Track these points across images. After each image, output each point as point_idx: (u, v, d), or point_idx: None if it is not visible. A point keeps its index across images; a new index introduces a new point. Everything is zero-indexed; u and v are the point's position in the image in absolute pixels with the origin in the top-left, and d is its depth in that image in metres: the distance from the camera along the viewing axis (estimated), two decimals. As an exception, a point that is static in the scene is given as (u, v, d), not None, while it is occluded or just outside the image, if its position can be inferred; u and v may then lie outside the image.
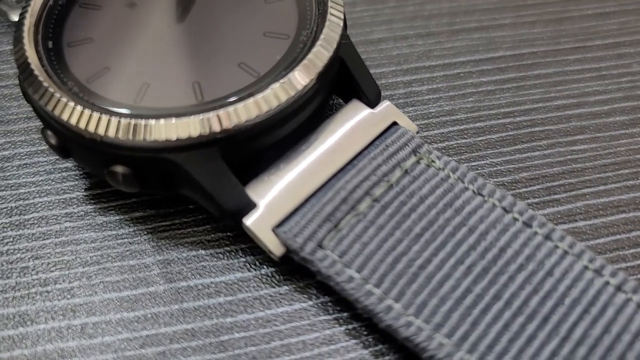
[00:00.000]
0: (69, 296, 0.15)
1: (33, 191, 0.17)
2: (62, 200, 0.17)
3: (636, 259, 0.16)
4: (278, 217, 0.15)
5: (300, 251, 0.15)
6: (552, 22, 0.21)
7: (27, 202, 0.17)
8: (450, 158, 0.16)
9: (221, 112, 0.14)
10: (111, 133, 0.14)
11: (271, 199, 0.15)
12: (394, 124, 0.17)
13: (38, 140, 0.18)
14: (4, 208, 0.17)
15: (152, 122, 0.14)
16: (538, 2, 0.22)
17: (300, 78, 0.15)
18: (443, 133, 0.18)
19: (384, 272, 0.14)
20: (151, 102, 0.15)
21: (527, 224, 0.15)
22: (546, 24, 0.21)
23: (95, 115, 0.14)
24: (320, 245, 0.15)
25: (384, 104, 0.17)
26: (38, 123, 0.19)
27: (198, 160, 0.14)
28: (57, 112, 0.15)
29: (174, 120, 0.14)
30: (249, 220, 0.15)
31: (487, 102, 0.19)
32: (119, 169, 0.15)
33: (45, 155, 0.18)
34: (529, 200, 0.17)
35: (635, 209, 0.17)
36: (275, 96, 0.15)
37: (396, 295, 0.14)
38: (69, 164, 0.18)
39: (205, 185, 0.15)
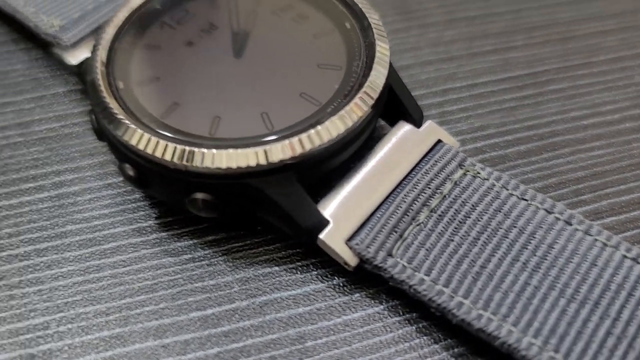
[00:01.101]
0: (157, 317, 0.17)
1: (107, 222, 0.19)
2: (136, 229, 0.19)
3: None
4: (349, 231, 0.17)
5: (374, 260, 0.17)
6: (560, 41, 0.24)
7: (103, 232, 0.19)
8: (491, 169, 0.19)
9: (295, 139, 0.16)
10: (197, 162, 0.16)
11: (341, 215, 0.17)
12: (439, 141, 0.19)
13: (105, 175, 0.20)
14: (84, 239, 0.18)
15: (233, 151, 0.16)
16: (545, 24, 0.24)
17: (361, 106, 0.17)
18: (477, 147, 0.21)
19: (450, 274, 0.16)
20: (226, 133, 0.17)
21: (568, 222, 0.17)
22: (555, 44, 0.24)
23: (180, 147, 0.16)
24: (390, 254, 0.17)
25: (427, 123, 0.19)
26: (102, 158, 0.20)
27: (277, 185, 0.16)
28: (141, 147, 0.16)
29: (253, 148, 0.16)
30: (325, 236, 0.17)
31: (511, 117, 0.22)
32: (201, 196, 0.17)
33: (113, 188, 0.20)
34: (561, 202, 0.19)
35: (656, 205, 0.19)
36: (341, 123, 0.17)
37: (464, 293, 0.16)
38: (137, 194, 0.19)
39: (284, 207, 0.16)
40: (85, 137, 0.21)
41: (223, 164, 0.16)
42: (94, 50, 0.19)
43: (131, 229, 0.19)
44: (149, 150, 0.16)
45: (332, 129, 0.16)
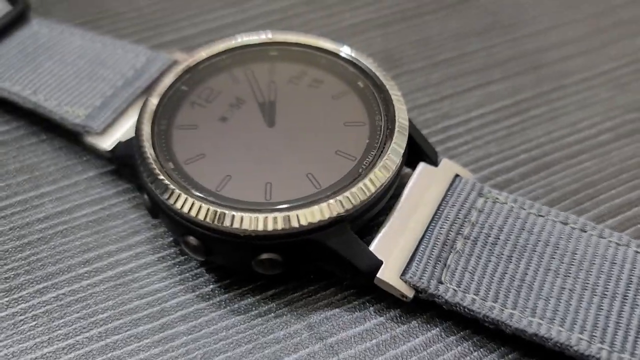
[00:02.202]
0: (239, 372, 0.19)
1: (171, 293, 0.21)
2: (199, 295, 0.20)
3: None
4: (401, 267, 0.19)
5: (428, 289, 0.19)
6: (532, 70, 0.27)
7: (169, 302, 0.20)
8: (506, 193, 0.21)
9: (347, 193, 0.19)
10: (263, 227, 0.18)
11: (391, 253, 0.19)
12: (456, 175, 0.22)
13: (156, 249, 0.22)
14: (153, 312, 0.20)
15: (294, 212, 0.18)
16: (516, 56, 0.28)
17: (393, 157, 0.20)
18: (484, 175, 0.24)
19: (496, 290, 0.19)
20: (280, 197, 0.19)
21: (583, 230, 0.20)
22: (528, 73, 0.27)
23: (246, 215, 0.18)
24: (440, 282, 0.19)
25: (443, 161, 0.22)
26: (149, 234, 0.22)
27: (336, 236, 0.19)
28: (208, 220, 0.18)
29: (311, 208, 0.18)
30: (383, 275, 0.19)
31: (505, 144, 0.25)
32: (268, 256, 0.19)
33: (167, 260, 0.21)
34: (567, 204, 0.22)
35: (645, 204, 0.23)
36: (381, 175, 0.19)
37: (512, 304, 0.19)
38: (192, 263, 0.21)
39: (344, 255, 0.19)
40: (127, 216, 0.23)
41: (287, 225, 0.18)
42: (138, 137, 0.20)
43: (194, 295, 0.20)
44: (217, 222, 0.18)
45: (376, 180, 0.19)
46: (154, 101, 0.21)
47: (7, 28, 0.27)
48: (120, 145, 0.22)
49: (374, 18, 0.29)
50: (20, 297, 0.21)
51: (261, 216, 0.18)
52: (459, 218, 0.20)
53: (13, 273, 0.21)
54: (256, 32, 0.24)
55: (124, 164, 0.22)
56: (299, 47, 0.23)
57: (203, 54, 0.23)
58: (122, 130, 0.23)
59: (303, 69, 0.23)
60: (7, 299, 0.20)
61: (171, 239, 0.22)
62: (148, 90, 0.24)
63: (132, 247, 0.22)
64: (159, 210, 0.20)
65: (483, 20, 0.29)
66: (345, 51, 0.23)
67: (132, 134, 0.22)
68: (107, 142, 0.23)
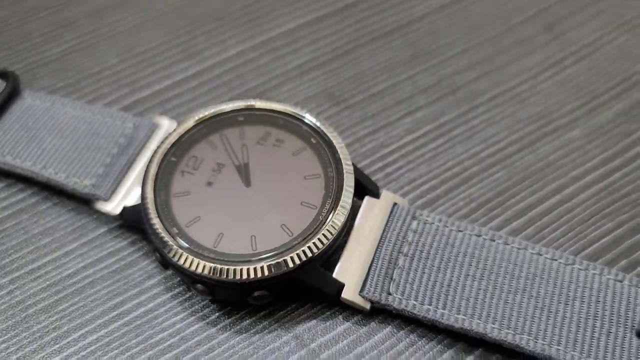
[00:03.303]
0: (248, 378, 0.26)
1: (187, 323, 0.27)
2: (209, 322, 0.27)
3: (557, 236, 0.29)
4: (358, 286, 0.26)
5: (380, 300, 0.26)
6: (450, 94, 0.34)
7: (186, 332, 0.27)
8: (434, 214, 0.28)
9: (315, 239, 0.25)
10: (258, 275, 0.25)
11: (350, 277, 0.26)
12: (395, 203, 0.28)
13: (169, 288, 0.28)
14: (172, 342, 0.27)
15: (279, 259, 0.25)
16: (435, 82, 0.34)
17: (346, 201, 0.26)
18: (417, 194, 0.30)
19: (430, 296, 0.26)
20: (264, 247, 0.25)
21: (492, 239, 0.27)
22: (447, 97, 0.33)
23: (243, 267, 0.25)
24: (389, 293, 0.26)
25: (383, 193, 0.28)
26: (161, 276, 0.28)
27: (310, 273, 0.25)
28: (212, 275, 0.25)
29: (290, 253, 0.25)
30: (345, 294, 0.26)
31: (433, 164, 0.31)
32: (259, 293, 0.25)
33: (179, 296, 0.28)
34: (483, 220, 0.29)
35: (542, 203, 0.30)
36: (340, 217, 0.26)
37: (442, 305, 0.26)
38: (200, 298, 0.28)
39: (317, 286, 0.25)
40: (140, 263, 0.29)
41: (272, 271, 0.25)
42: (145, 208, 0.26)
43: (205, 323, 0.27)
44: (218, 275, 0.25)
45: (335, 224, 0.26)
46: (151, 175, 0.27)
47: (4, 104, 0.32)
48: (126, 210, 0.28)
49: (314, 57, 0.35)
50: (67, 342, 0.27)
51: (252, 267, 0.25)
52: (399, 240, 0.27)
53: (58, 323, 0.27)
54: (224, 102, 0.29)
55: (132, 227, 0.28)
56: (261, 112, 0.29)
57: (185, 126, 0.28)
58: (126, 196, 0.29)
59: (267, 130, 0.29)
60: (57, 346, 0.27)
61: (177, 279, 0.28)
62: (139, 155, 0.30)
63: (149, 289, 0.28)
64: (169, 265, 0.26)
65: (406, 51, 0.35)
66: (298, 111, 0.29)
67: (134, 199, 0.28)
68: (115, 208, 0.29)
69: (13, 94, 0.33)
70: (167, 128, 0.31)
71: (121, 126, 0.31)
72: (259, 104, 0.29)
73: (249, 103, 0.29)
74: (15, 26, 0.37)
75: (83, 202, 0.30)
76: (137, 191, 0.28)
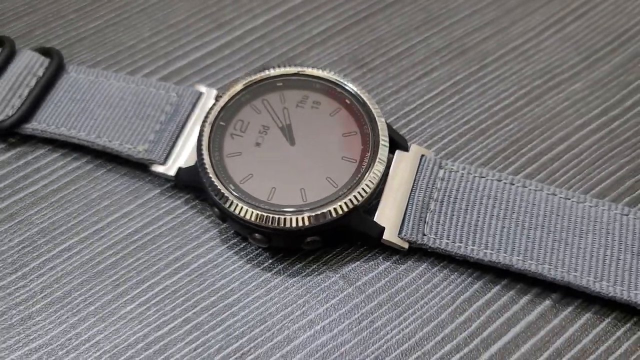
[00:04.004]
0: (310, 311, 0.29)
1: (243, 270, 0.30)
2: (263, 268, 0.30)
3: (567, 178, 0.32)
4: (397, 228, 0.30)
5: (417, 241, 0.30)
6: (460, 54, 0.37)
7: (244, 277, 0.30)
8: (457, 163, 0.32)
9: (359, 189, 0.28)
10: (312, 222, 0.28)
11: (389, 221, 0.30)
12: (422, 155, 0.32)
13: (224, 240, 0.31)
14: (233, 287, 0.30)
15: (329, 208, 0.28)
16: (446, 44, 0.37)
17: (382, 158, 0.29)
18: (440, 146, 0.34)
19: (460, 234, 0.30)
20: (313, 198, 0.29)
21: (511, 183, 0.31)
22: (458, 57, 0.37)
23: (299, 217, 0.28)
24: (424, 234, 0.30)
25: (412, 147, 0.32)
26: (217, 229, 0.31)
27: (355, 219, 0.29)
28: (270, 224, 0.28)
29: (338, 202, 0.28)
30: (387, 236, 0.29)
31: (451, 119, 0.34)
32: (312, 238, 0.29)
33: (234, 247, 0.31)
34: (501, 167, 0.33)
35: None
36: (377, 172, 0.29)
37: (472, 243, 0.29)
38: (253, 247, 0.31)
39: (362, 230, 0.29)
40: (194, 220, 0.32)
41: (323, 219, 0.28)
42: (202, 168, 0.29)
43: (260, 269, 0.30)
44: (276, 224, 0.28)
45: (375, 176, 0.29)
46: (205, 138, 0.30)
47: (52, 79, 0.35)
48: (181, 171, 0.31)
49: (335, 24, 0.38)
50: (137, 293, 0.30)
51: (305, 215, 0.28)
52: (429, 187, 0.31)
53: (127, 277, 0.30)
54: (262, 69, 0.32)
55: (187, 186, 0.31)
56: (297, 77, 0.32)
57: (229, 93, 0.31)
58: (179, 158, 0.32)
59: (305, 94, 0.32)
60: (129, 296, 0.30)
61: (232, 231, 0.31)
62: (187, 121, 0.32)
63: (206, 242, 0.31)
64: (227, 218, 0.29)
65: (418, 16, 0.38)
66: (331, 75, 0.32)
67: (187, 161, 0.31)
68: (169, 170, 0.32)
69: (59, 70, 0.35)
70: (207, 95, 0.33)
71: (165, 95, 0.34)
72: (293, 70, 0.32)
73: (284, 70, 0.32)
74: (48, 3, 0.39)
75: (135, 167, 0.33)
76: (188, 154, 0.31)
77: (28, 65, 0.35)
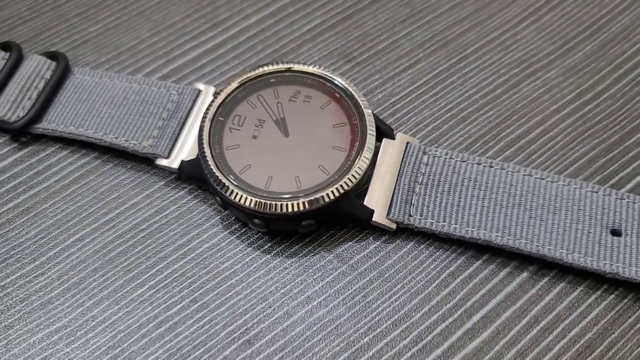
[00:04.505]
0: (307, 289, 0.32)
1: (245, 253, 0.33)
2: (263, 251, 0.33)
3: (543, 160, 0.35)
4: (385, 210, 0.33)
5: (404, 221, 0.32)
6: (443, 46, 0.39)
7: (245, 260, 0.33)
8: (440, 149, 0.34)
9: (349, 175, 0.31)
10: (307, 207, 0.31)
11: (377, 203, 0.32)
12: (408, 143, 0.34)
13: (227, 226, 0.34)
14: (236, 269, 0.33)
15: (322, 193, 0.31)
16: (430, 37, 0.40)
17: (370, 145, 0.32)
18: (425, 133, 0.36)
19: (443, 214, 0.32)
20: (307, 184, 0.31)
21: (490, 166, 0.34)
22: (441, 49, 0.39)
23: (295, 202, 0.30)
24: (410, 215, 0.33)
25: (398, 135, 0.35)
26: (218, 217, 0.34)
27: (347, 203, 0.31)
28: (269, 210, 0.30)
29: (331, 188, 0.31)
30: (376, 218, 0.32)
31: (434, 108, 0.37)
32: (307, 222, 0.32)
33: (235, 232, 0.34)
34: (481, 152, 0.36)
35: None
36: (366, 159, 0.32)
37: (454, 222, 0.32)
38: (253, 231, 0.34)
39: (353, 213, 0.32)
40: (197, 208, 0.35)
41: (317, 204, 0.31)
42: (204, 160, 0.32)
43: (260, 252, 0.33)
44: (273, 210, 0.31)
45: (364, 162, 0.32)
46: (206, 133, 0.33)
47: (60, 81, 0.37)
48: (184, 164, 0.34)
49: (323, 21, 0.41)
50: (147, 277, 0.33)
51: (300, 201, 0.31)
52: (414, 172, 0.33)
53: (137, 262, 0.33)
54: (255, 67, 0.35)
55: (190, 177, 0.34)
56: (289, 73, 0.35)
57: (226, 90, 0.34)
58: (181, 151, 0.34)
59: (297, 89, 0.34)
60: (139, 280, 0.33)
61: (232, 219, 0.34)
62: (188, 117, 0.35)
63: (209, 229, 0.34)
64: (228, 206, 0.32)
65: (402, 11, 0.41)
66: (321, 71, 0.34)
67: (189, 154, 0.34)
68: (173, 163, 0.34)
69: (66, 72, 0.38)
70: (205, 92, 0.36)
71: (166, 93, 0.36)
72: (285, 66, 0.35)
73: (276, 67, 0.35)
74: (50, 9, 0.42)
75: (140, 161, 0.36)
76: (189, 148, 0.34)
77: (36, 68, 0.37)
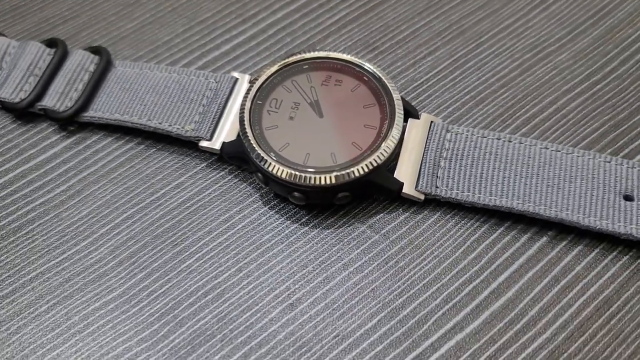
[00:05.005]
0: (348, 262, 0.35)
1: (284, 226, 0.36)
2: (301, 223, 0.36)
3: (557, 136, 0.38)
4: (413, 183, 0.35)
5: (432, 192, 0.35)
6: (459, 34, 0.42)
7: (285, 232, 0.36)
8: (462, 127, 0.37)
9: (380, 151, 0.34)
10: (343, 180, 0.34)
11: (406, 176, 0.35)
12: (432, 122, 0.37)
13: (266, 202, 0.37)
14: (276, 240, 0.36)
15: (356, 167, 0.34)
16: (446, 26, 0.43)
17: (398, 125, 0.35)
18: (446, 113, 0.39)
19: (467, 185, 0.35)
20: (342, 159, 0.34)
21: (509, 141, 0.36)
22: (457, 37, 0.42)
23: (332, 175, 0.33)
24: (437, 187, 0.36)
25: (423, 116, 0.37)
26: (258, 194, 0.37)
27: (379, 175, 0.34)
28: (309, 182, 0.33)
29: (364, 163, 0.34)
30: (406, 190, 0.35)
31: (453, 92, 0.40)
32: (343, 194, 0.34)
33: (274, 207, 0.36)
34: (499, 129, 0.39)
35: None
36: (395, 138, 0.35)
37: (478, 191, 0.35)
38: (291, 206, 0.37)
39: (385, 185, 0.35)
40: (238, 187, 0.37)
41: (352, 176, 0.34)
42: (247, 140, 0.35)
43: (298, 224, 0.36)
44: (313, 182, 0.34)
45: (394, 139, 0.34)
46: (247, 115, 0.36)
47: (103, 73, 0.40)
48: (225, 145, 0.37)
49: (347, 14, 0.44)
50: (194, 250, 0.35)
51: (336, 174, 0.34)
52: (438, 148, 0.36)
53: (184, 237, 0.36)
54: (289, 55, 0.38)
55: (231, 157, 0.37)
56: (321, 59, 0.38)
57: (263, 77, 0.37)
58: (221, 134, 0.37)
59: (328, 74, 0.37)
60: (187, 253, 0.35)
61: (271, 195, 0.37)
62: (226, 103, 0.38)
63: (250, 205, 0.37)
64: (269, 181, 0.35)
65: (420, 2, 0.44)
66: (351, 57, 0.37)
67: (228, 136, 0.37)
68: (215, 144, 0.37)
69: (108, 65, 0.41)
70: (241, 80, 0.39)
71: (205, 82, 0.39)
72: (316, 54, 0.38)
73: (308, 55, 0.38)
74: (89, 9, 0.45)
75: (181, 144, 0.39)
76: (229, 129, 0.37)
77: (80, 62, 0.40)
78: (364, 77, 0.37)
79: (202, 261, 0.35)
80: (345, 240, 0.35)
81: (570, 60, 0.41)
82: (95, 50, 0.41)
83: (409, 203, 0.36)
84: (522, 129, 0.38)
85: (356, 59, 0.37)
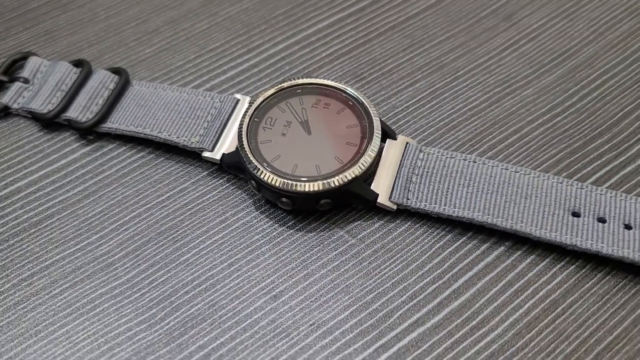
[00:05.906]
0: (325, 265, 0.39)
1: (272, 228, 0.40)
2: (288, 226, 0.40)
3: (519, 160, 0.43)
4: (388, 194, 0.40)
5: (403, 203, 0.40)
6: (437, 69, 0.48)
7: (273, 234, 0.40)
8: (434, 148, 0.42)
9: (358, 164, 0.39)
10: (326, 187, 0.38)
11: (382, 189, 0.40)
12: (407, 143, 0.42)
13: (260, 206, 0.41)
14: (267, 239, 0.40)
15: (337, 177, 0.38)
16: (426, 62, 0.48)
17: (375, 143, 0.40)
18: (423, 136, 0.44)
19: (435, 198, 0.39)
20: (326, 171, 0.39)
21: (474, 161, 0.41)
22: (434, 72, 0.47)
23: (318, 183, 0.38)
24: (408, 199, 0.40)
25: (399, 136, 0.42)
26: (253, 198, 0.42)
27: (356, 186, 0.39)
28: (297, 189, 0.38)
29: (345, 174, 0.38)
30: (380, 200, 0.39)
31: (430, 118, 0.45)
32: (325, 201, 0.39)
33: (265, 212, 0.41)
34: (467, 153, 0.43)
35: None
36: (372, 153, 0.39)
37: (444, 204, 0.39)
38: (280, 210, 0.41)
39: (362, 194, 0.39)
40: (234, 193, 0.42)
41: (334, 185, 0.38)
42: (243, 151, 0.40)
43: (286, 227, 0.40)
44: (298, 189, 0.38)
45: (371, 155, 0.39)
46: (244, 130, 0.40)
47: (122, 90, 0.45)
48: (225, 155, 0.41)
49: (339, 48, 0.49)
50: (193, 245, 0.40)
51: (320, 182, 0.38)
52: (411, 165, 0.41)
53: (184, 234, 0.40)
54: (284, 81, 0.43)
55: (230, 166, 0.42)
56: (312, 86, 0.42)
57: (260, 99, 0.42)
58: (222, 146, 0.42)
59: (318, 98, 0.42)
60: (187, 248, 0.40)
61: (262, 201, 0.41)
62: (228, 120, 0.43)
63: (244, 209, 0.41)
64: (262, 188, 0.40)
65: (405, 41, 0.49)
66: (338, 84, 0.42)
67: (228, 148, 0.41)
68: (216, 155, 0.42)
69: (126, 84, 0.46)
70: (242, 101, 0.44)
71: (211, 101, 0.44)
72: (309, 80, 0.42)
73: (302, 80, 0.42)
74: (112, 35, 0.50)
75: (187, 155, 0.43)
76: (229, 143, 0.42)
77: (102, 80, 0.45)
78: (349, 102, 0.42)
79: (198, 256, 0.39)
80: (326, 242, 0.40)
81: (535, 95, 0.46)
82: (116, 71, 0.46)
83: (383, 212, 0.40)
84: (488, 153, 0.43)
85: (343, 86, 0.42)
